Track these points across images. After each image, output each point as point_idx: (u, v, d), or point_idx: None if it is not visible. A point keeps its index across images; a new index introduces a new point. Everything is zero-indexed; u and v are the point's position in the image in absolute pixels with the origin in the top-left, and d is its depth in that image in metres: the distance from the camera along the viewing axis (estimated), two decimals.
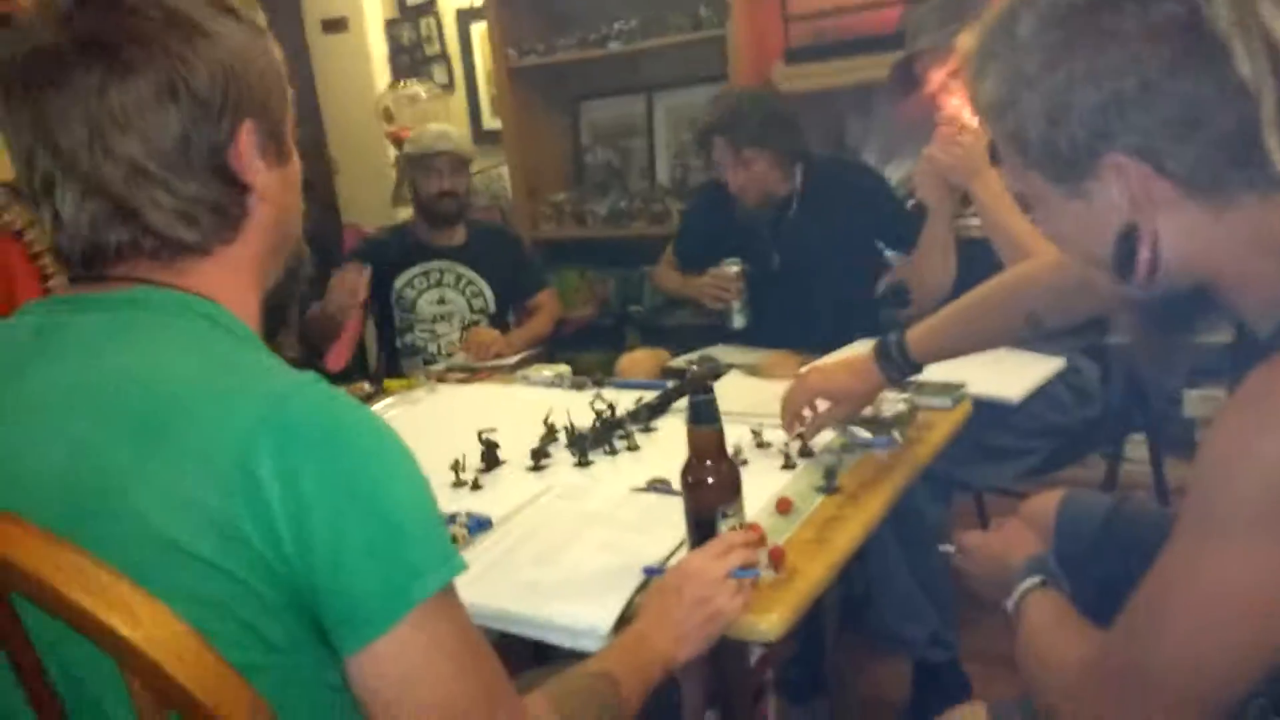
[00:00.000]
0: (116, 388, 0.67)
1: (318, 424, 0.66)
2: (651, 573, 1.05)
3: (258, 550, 0.64)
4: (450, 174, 2.57)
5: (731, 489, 1.04)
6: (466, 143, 2.68)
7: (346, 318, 2.37)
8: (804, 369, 1.46)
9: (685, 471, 1.04)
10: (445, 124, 2.68)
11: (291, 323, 2.26)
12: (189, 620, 0.60)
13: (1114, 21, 0.69)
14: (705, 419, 1.02)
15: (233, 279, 0.77)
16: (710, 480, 1.03)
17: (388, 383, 1.96)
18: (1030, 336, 1.28)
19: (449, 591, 0.70)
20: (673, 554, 1.09)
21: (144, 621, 0.58)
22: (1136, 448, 1.99)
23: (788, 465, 1.33)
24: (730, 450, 1.36)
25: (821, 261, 2.19)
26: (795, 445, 1.36)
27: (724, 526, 1.03)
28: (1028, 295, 1.24)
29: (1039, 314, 1.23)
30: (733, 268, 2.21)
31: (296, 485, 0.64)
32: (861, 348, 1.94)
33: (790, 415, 1.38)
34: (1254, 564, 0.66)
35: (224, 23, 0.73)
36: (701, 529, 1.04)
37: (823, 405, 1.37)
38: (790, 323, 2.18)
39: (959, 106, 1.77)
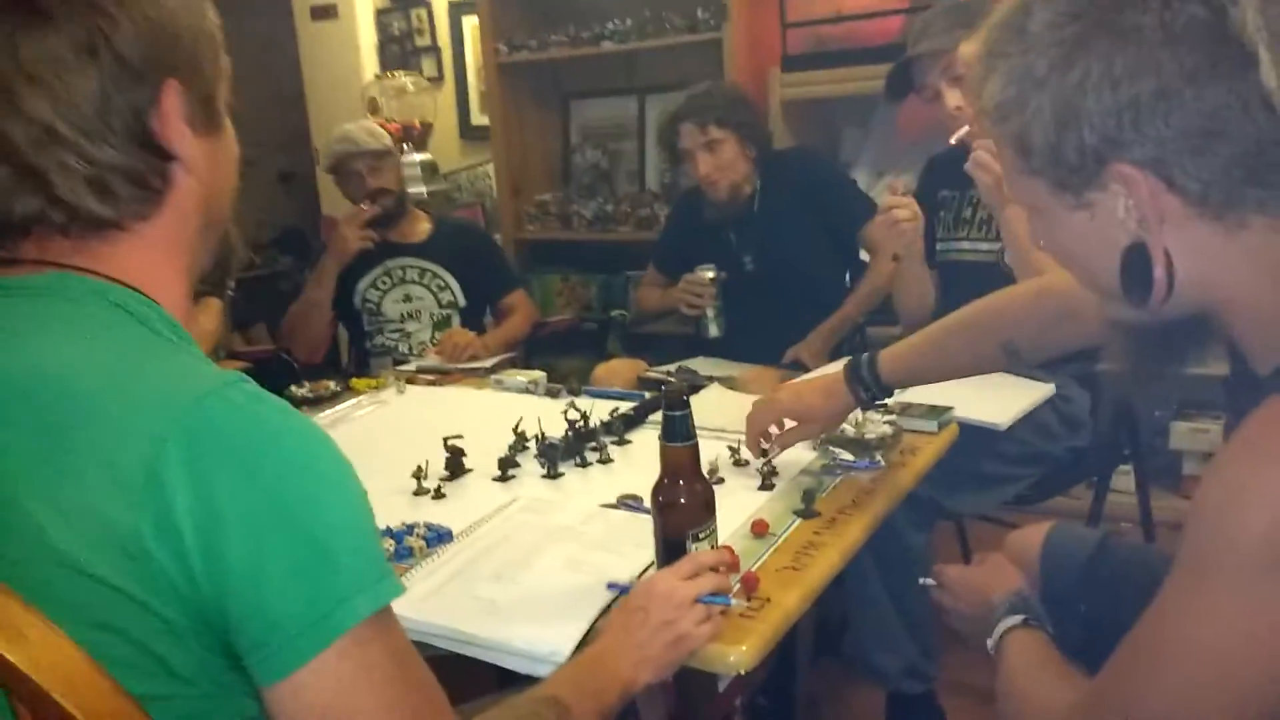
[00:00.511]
0: (21, 386, 0.62)
1: (237, 428, 0.60)
2: (617, 589, 0.99)
3: (162, 568, 0.58)
4: (371, 173, 2.47)
5: (704, 510, 0.99)
6: (376, 135, 2.53)
7: (347, 256, 2.39)
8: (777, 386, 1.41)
9: (656, 490, 0.99)
10: (351, 124, 2.57)
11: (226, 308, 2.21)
12: (85, 645, 0.54)
13: (1134, 21, 0.64)
14: (680, 435, 0.97)
15: (153, 261, 0.70)
16: (682, 500, 0.97)
17: (354, 382, 1.89)
18: (1010, 367, 1.24)
19: (383, 615, 0.64)
20: (641, 575, 1.04)
21: (32, 643, 0.53)
22: (1122, 478, 1.95)
23: (765, 486, 1.28)
24: (705, 468, 1.32)
25: (790, 259, 2.24)
26: (774, 466, 1.31)
27: (694, 549, 0.98)
28: (1004, 324, 1.20)
29: (1016, 344, 1.19)
30: (707, 273, 2.21)
31: (210, 496, 0.58)
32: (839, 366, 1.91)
33: (755, 433, 1.33)
34: (1253, 611, 0.63)
35: None
36: (670, 551, 0.99)
37: (790, 424, 1.32)
38: (768, 329, 2.20)
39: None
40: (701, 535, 0.98)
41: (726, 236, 2.30)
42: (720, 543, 1.08)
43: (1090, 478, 1.91)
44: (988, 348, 1.21)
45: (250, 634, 0.60)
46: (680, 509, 0.97)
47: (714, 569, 0.96)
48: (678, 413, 0.96)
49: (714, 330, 2.23)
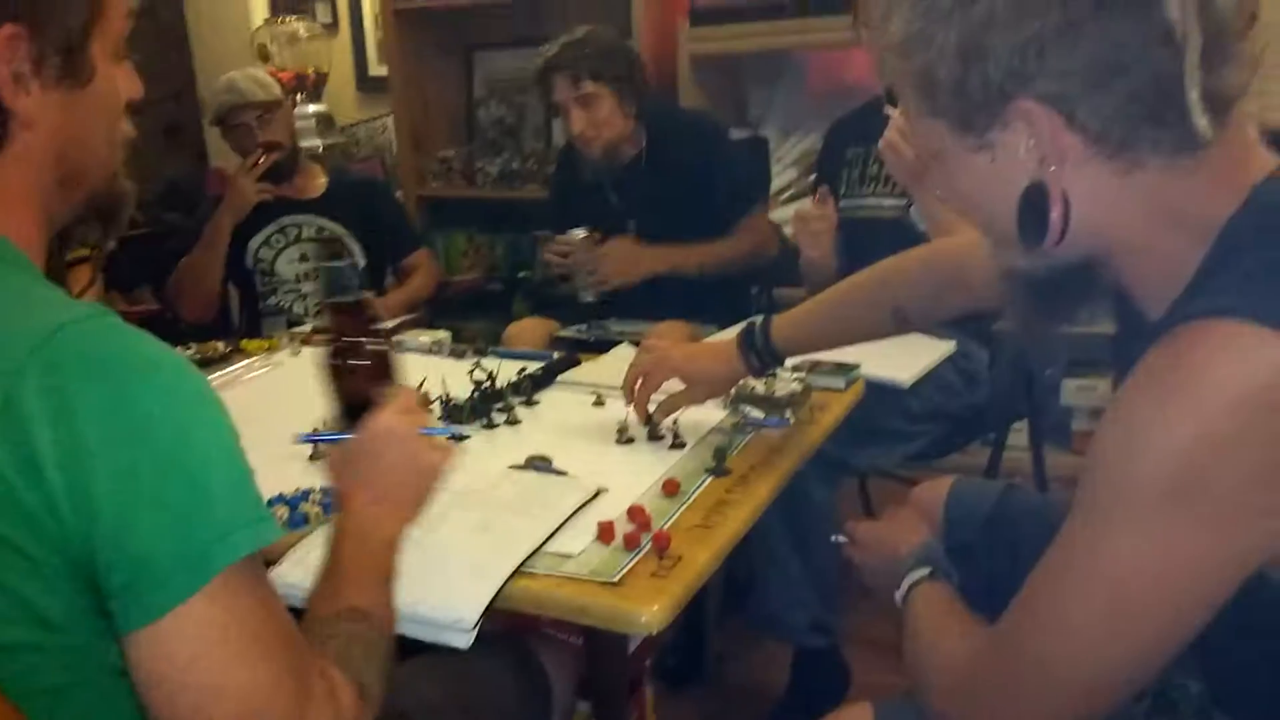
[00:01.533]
0: None
1: (101, 358, 0.57)
2: (314, 440, 0.93)
3: (25, 503, 0.55)
4: (262, 124, 2.34)
5: (384, 371, 0.92)
6: (264, 84, 2.39)
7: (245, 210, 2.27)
8: (658, 343, 1.37)
9: (330, 355, 0.91)
10: (237, 73, 2.40)
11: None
12: None
13: None
14: (340, 287, 0.90)
15: (2, 205, 0.65)
16: (358, 362, 0.91)
17: (245, 343, 1.80)
18: (898, 332, 1.25)
19: (255, 562, 0.61)
20: (551, 537, 1.01)
21: None
22: (1015, 435, 2.01)
23: (676, 444, 1.26)
24: (615, 428, 1.30)
25: (674, 225, 2.14)
26: (683, 424, 1.29)
27: (395, 364, 0.92)
28: (894, 289, 1.21)
29: (905, 309, 1.20)
30: (578, 233, 2.10)
31: (73, 428, 0.56)
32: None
33: (644, 389, 1.29)
34: (1154, 546, 0.64)
35: None
36: (356, 416, 0.91)
37: (677, 387, 1.30)
38: (657, 292, 2.10)
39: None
40: (388, 395, 0.92)
41: (607, 196, 2.20)
42: (632, 502, 1.07)
43: (988, 434, 1.97)
44: (879, 314, 1.22)
45: (119, 574, 0.57)
46: (361, 371, 0.91)
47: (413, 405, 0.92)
48: (335, 264, 0.89)
49: (587, 295, 2.12)
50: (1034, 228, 0.70)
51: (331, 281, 0.87)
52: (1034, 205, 0.69)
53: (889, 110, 1.72)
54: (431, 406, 0.92)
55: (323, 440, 0.89)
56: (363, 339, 0.89)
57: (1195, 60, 0.63)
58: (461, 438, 0.95)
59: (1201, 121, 0.64)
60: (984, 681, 0.75)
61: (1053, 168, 0.68)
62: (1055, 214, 0.69)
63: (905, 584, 0.94)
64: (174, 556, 0.57)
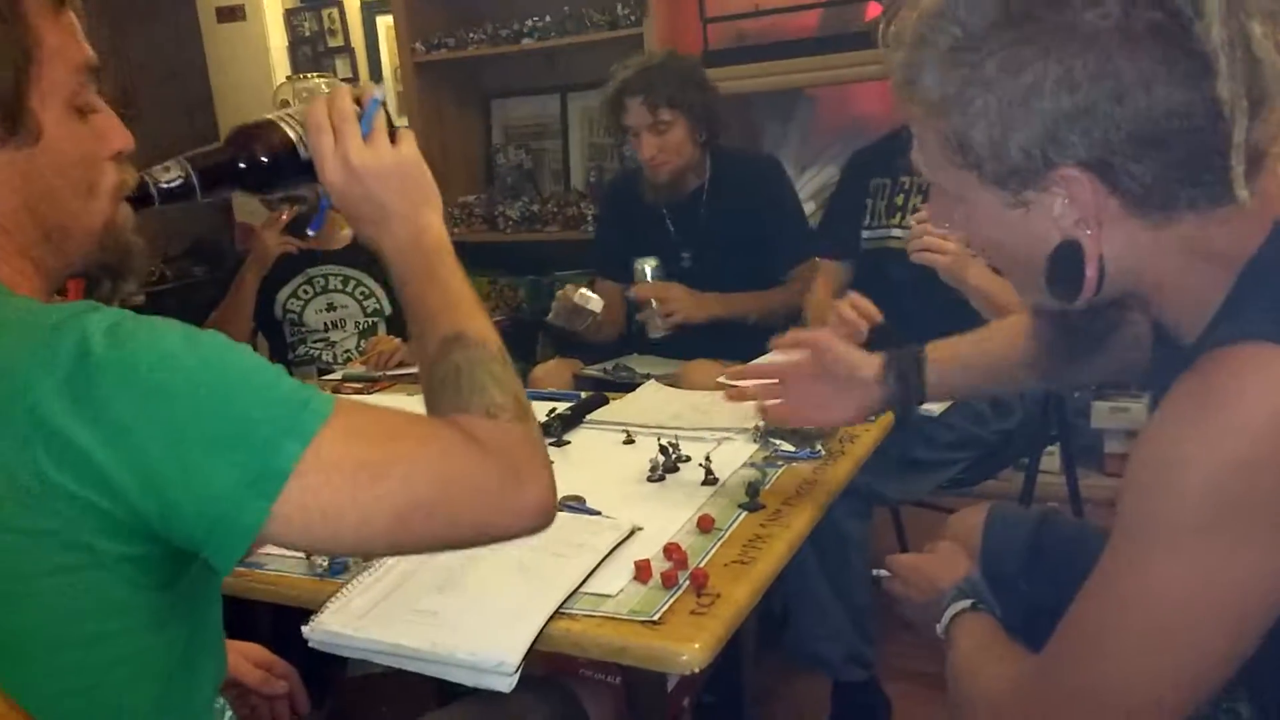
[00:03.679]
0: None
1: (100, 341, 0.60)
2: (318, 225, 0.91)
3: (82, 498, 0.58)
4: None
5: (267, 134, 0.83)
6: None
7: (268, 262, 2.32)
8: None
9: (231, 146, 0.83)
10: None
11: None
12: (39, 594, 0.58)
13: (1092, 25, 0.64)
14: (176, 192, 0.79)
15: None
16: (243, 162, 0.82)
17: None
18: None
19: (328, 429, 0.64)
20: (588, 578, 1.01)
21: None
22: (1047, 459, 2.00)
23: (709, 480, 1.26)
24: (647, 467, 1.30)
25: (730, 263, 2.14)
26: (716, 460, 1.29)
27: (298, 129, 0.83)
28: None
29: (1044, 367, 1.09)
30: (650, 263, 2.08)
31: (103, 416, 0.58)
32: (783, 357, 1.90)
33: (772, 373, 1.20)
34: (1195, 569, 0.64)
35: None
36: (293, 163, 0.83)
37: (819, 398, 1.18)
38: (700, 328, 2.09)
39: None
40: (294, 116, 0.84)
41: (665, 226, 2.19)
42: (667, 540, 1.07)
43: (1019, 459, 1.96)
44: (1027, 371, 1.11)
45: (202, 520, 0.61)
46: (254, 163, 0.82)
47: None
48: (152, 189, 0.78)
49: (657, 331, 2.06)
50: (1067, 283, 0.70)
51: (169, 196, 0.79)
52: (1067, 261, 0.70)
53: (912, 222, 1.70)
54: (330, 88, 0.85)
55: (318, 228, 0.90)
56: (223, 154, 0.82)
57: (1241, 138, 0.63)
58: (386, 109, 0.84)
59: (1243, 193, 0.64)
60: (1031, 710, 0.74)
61: (1089, 231, 0.68)
62: (1091, 272, 0.69)
63: (946, 616, 0.94)
64: (242, 485, 0.60)
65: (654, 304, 2.04)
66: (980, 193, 0.72)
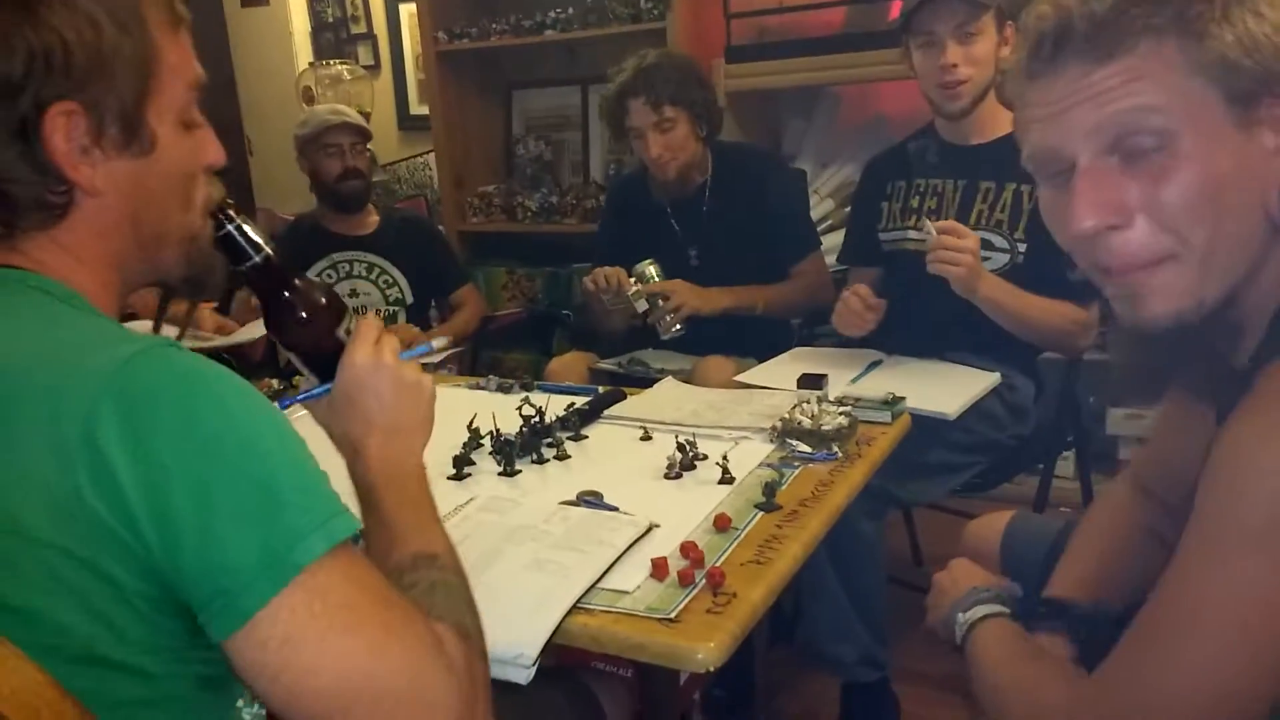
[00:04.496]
0: None
1: (168, 384, 0.61)
2: (295, 401, 0.89)
3: (107, 526, 0.58)
4: (351, 150, 2.43)
5: (331, 309, 0.87)
6: (362, 119, 2.55)
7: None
8: None
9: (272, 322, 0.87)
10: (330, 105, 2.57)
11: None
12: (39, 614, 0.57)
13: None
14: (245, 254, 0.83)
15: (69, 264, 0.70)
16: (304, 313, 0.86)
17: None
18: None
19: (341, 549, 0.63)
20: (605, 573, 1.02)
21: None
22: (1062, 464, 2.00)
23: (725, 479, 1.27)
24: (665, 463, 1.31)
25: (735, 259, 2.14)
26: (733, 459, 1.30)
27: (351, 322, 0.88)
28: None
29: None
30: (650, 266, 2.07)
31: (148, 453, 0.59)
32: (799, 354, 1.92)
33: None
34: (1271, 577, 0.64)
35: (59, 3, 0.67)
36: (330, 361, 0.87)
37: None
38: (698, 327, 2.08)
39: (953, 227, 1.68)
40: (349, 326, 0.88)
41: (670, 225, 2.20)
42: (684, 538, 1.08)
43: (1035, 464, 1.96)
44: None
45: (204, 585, 0.60)
46: (310, 321, 0.86)
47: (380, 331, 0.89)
48: (226, 229, 0.81)
49: (668, 330, 2.04)
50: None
51: (235, 247, 0.81)
52: None
53: (926, 225, 1.72)
54: (396, 332, 0.90)
55: (306, 399, 0.88)
56: (297, 289, 0.86)
57: None
58: (435, 362, 0.92)
59: None
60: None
61: None
62: None
63: (963, 622, 0.93)
64: (255, 563, 0.60)
65: (660, 303, 2.02)
66: (1212, 112, 0.67)
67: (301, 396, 0.88)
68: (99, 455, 0.58)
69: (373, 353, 0.85)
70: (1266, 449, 0.64)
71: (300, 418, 0.67)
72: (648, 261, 2.07)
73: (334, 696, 0.61)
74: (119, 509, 0.58)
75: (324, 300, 0.86)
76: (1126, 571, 0.95)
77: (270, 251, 0.83)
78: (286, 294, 0.85)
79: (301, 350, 0.87)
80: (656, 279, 2.04)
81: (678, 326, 2.03)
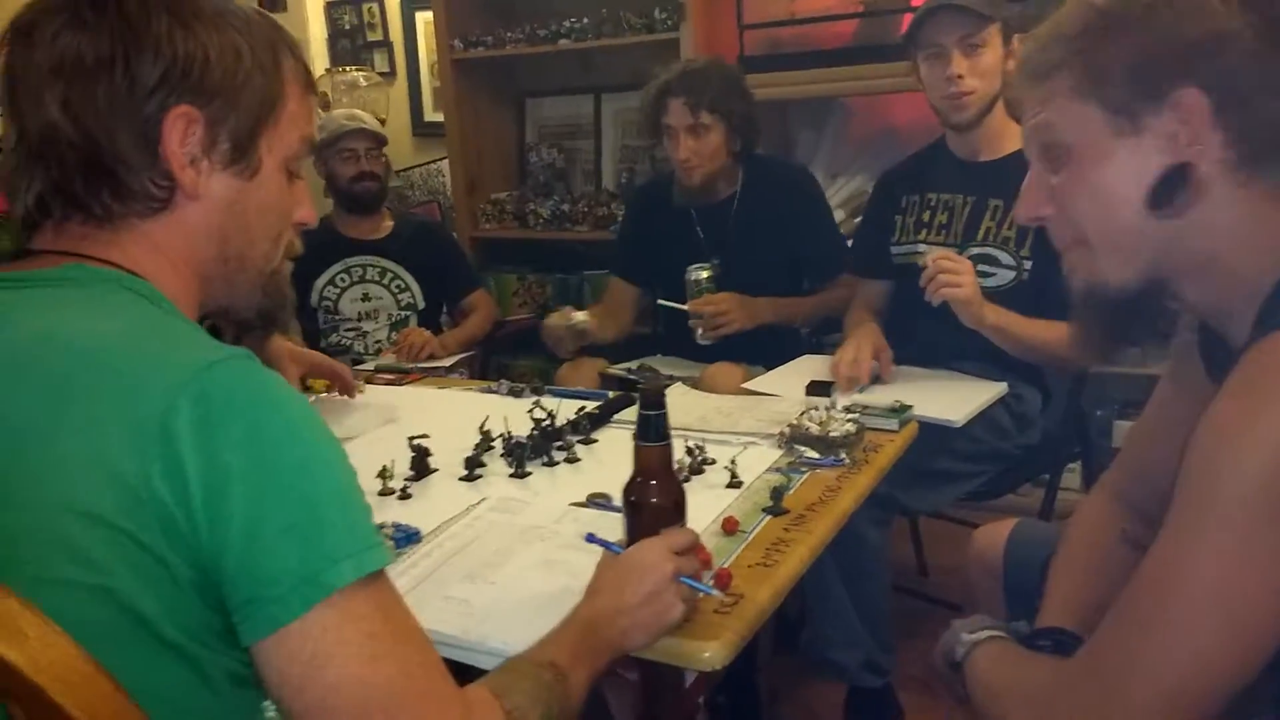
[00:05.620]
0: (34, 349, 0.66)
1: (244, 394, 0.64)
2: (594, 541, 0.99)
3: (169, 513, 0.62)
4: (366, 154, 2.47)
5: (676, 510, 0.99)
6: (378, 125, 2.59)
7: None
8: None
9: (628, 489, 0.99)
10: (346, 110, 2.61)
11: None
12: (86, 596, 0.60)
13: None
14: (655, 435, 0.97)
15: (158, 263, 0.75)
16: (655, 500, 0.98)
17: (311, 382, 1.86)
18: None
19: (372, 578, 0.66)
20: None
21: (31, 642, 0.53)
22: (1069, 476, 2.00)
23: (733, 484, 1.29)
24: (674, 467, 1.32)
25: (758, 272, 2.15)
26: (740, 464, 1.31)
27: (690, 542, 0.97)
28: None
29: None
30: (702, 273, 2.08)
31: (216, 454, 0.62)
32: (808, 361, 1.93)
33: None
34: (1254, 551, 0.65)
35: (211, 21, 0.74)
36: (638, 533, 0.98)
37: None
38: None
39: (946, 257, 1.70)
40: (674, 525, 0.98)
41: (695, 231, 2.21)
42: None
43: (1041, 475, 1.96)
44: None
45: (242, 589, 0.63)
46: (653, 509, 0.97)
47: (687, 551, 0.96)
48: (654, 413, 0.96)
49: (705, 339, 2.06)
50: (1164, 198, 0.76)
51: (649, 428, 0.96)
52: (1172, 182, 0.76)
53: (924, 252, 1.74)
54: (703, 563, 0.99)
55: (601, 544, 0.98)
56: (660, 480, 0.97)
57: None
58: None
59: None
60: (1081, 699, 0.74)
61: (1194, 156, 0.75)
62: (1189, 192, 0.75)
63: (962, 645, 0.94)
64: (291, 576, 0.63)
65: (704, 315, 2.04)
66: (1098, 126, 0.79)
67: (600, 541, 0.99)
68: (173, 449, 0.62)
69: (660, 558, 0.92)
70: (1244, 430, 0.65)
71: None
72: (702, 266, 2.09)
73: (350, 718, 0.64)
74: (182, 500, 0.62)
75: (675, 501, 0.98)
76: (1113, 587, 0.97)
77: (669, 441, 0.97)
78: (659, 481, 0.97)
79: (630, 514, 0.98)
80: (709, 284, 2.07)
81: (711, 339, 2.06)
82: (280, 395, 0.67)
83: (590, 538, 0.99)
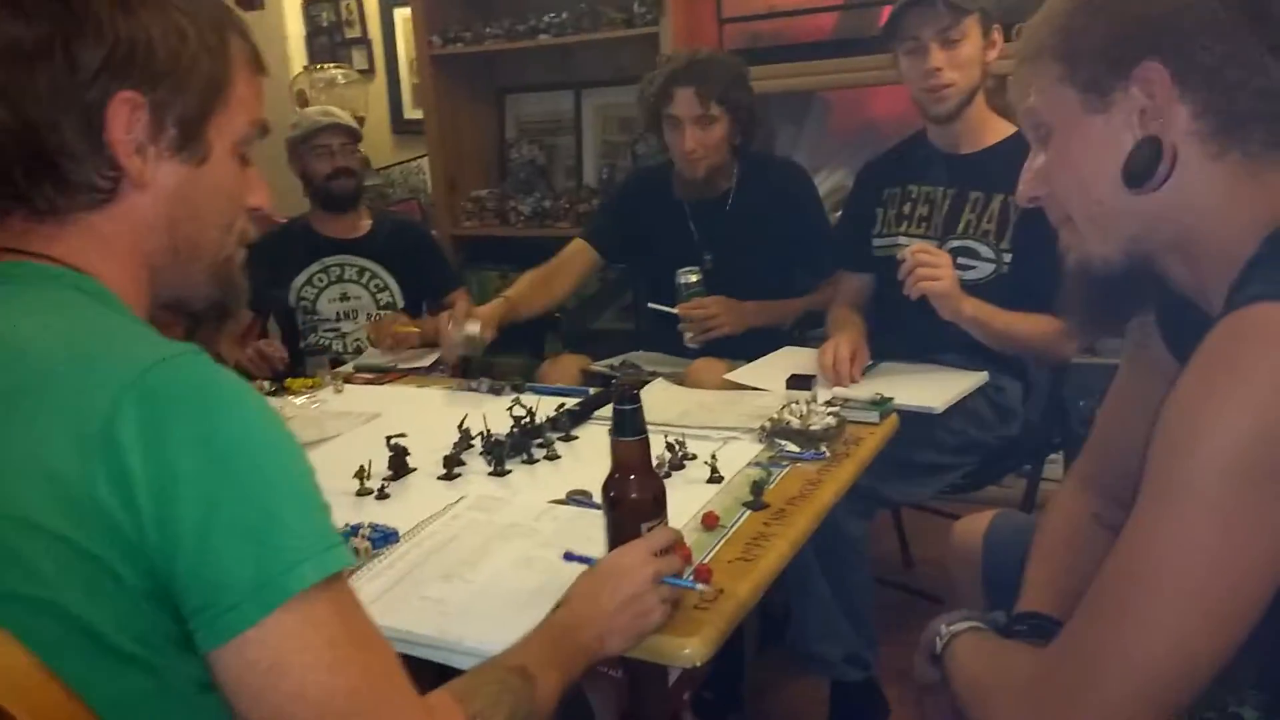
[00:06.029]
0: None
1: (192, 393, 0.62)
2: (573, 560, 0.99)
3: (115, 521, 0.59)
4: (341, 150, 2.44)
5: (656, 504, 0.99)
6: (350, 118, 2.55)
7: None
8: None
9: (607, 485, 0.98)
10: (320, 106, 2.58)
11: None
12: (36, 605, 0.58)
13: None
14: (631, 430, 0.96)
15: (104, 256, 0.72)
16: (634, 495, 0.97)
17: (290, 382, 1.85)
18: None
19: (333, 581, 0.64)
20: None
21: None
22: (1051, 467, 2.01)
23: (714, 479, 1.28)
24: (654, 462, 1.31)
25: (751, 269, 2.15)
26: (721, 458, 1.31)
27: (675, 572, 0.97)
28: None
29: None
30: (690, 276, 2.07)
31: (163, 457, 0.60)
32: (789, 353, 1.93)
33: None
34: (1225, 527, 0.65)
35: (155, 2, 0.71)
36: (618, 536, 0.98)
37: None
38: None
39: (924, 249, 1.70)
40: (653, 528, 0.98)
41: (688, 226, 2.19)
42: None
43: (1022, 466, 1.97)
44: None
45: (196, 595, 0.61)
46: (632, 504, 0.97)
47: (668, 550, 0.96)
48: (628, 407, 0.96)
49: (694, 342, 2.05)
50: (1140, 174, 0.77)
51: (624, 423, 0.95)
52: (1144, 155, 0.77)
53: (905, 245, 1.74)
54: (683, 559, 0.98)
55: (579, 560, 0.98)
56: (638, 475, 0.96)
57: None
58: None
59: None
60: (1058, 685, 0.73)
61: (1163, 128, 0.76)
62: (1162, 169, 0.76)
63: (941, 639, 0.94)
64: (247, 582, 0.60)
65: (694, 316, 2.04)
66: (1073, 108, 0.80)
67: (577, 557, 0.98)
68: (117, 454, 0.59)
69: (639, 560, 0.92)
70: (1211, 405, 0.65)
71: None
72: (691, 270, 2.08)
73: None
74: (129, 507, 0.59)
75: (654, 495, 0.98)
76: (1089, 570, 0.97)
77: (645, 436, 0.97)
78: (637, 476, 0.96)
79: (610, 510, 0.98)
80: (698, 288, 2.06)
81: (699, 343, 2.05)
82: (231, 392, 0.64)
83: (569, 556, 0.99)
